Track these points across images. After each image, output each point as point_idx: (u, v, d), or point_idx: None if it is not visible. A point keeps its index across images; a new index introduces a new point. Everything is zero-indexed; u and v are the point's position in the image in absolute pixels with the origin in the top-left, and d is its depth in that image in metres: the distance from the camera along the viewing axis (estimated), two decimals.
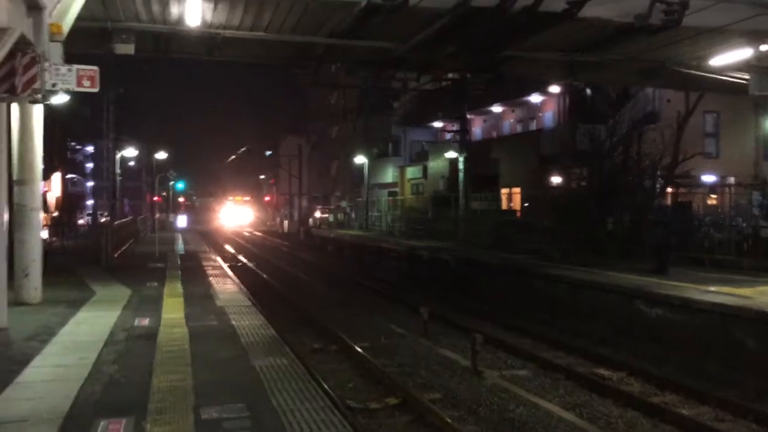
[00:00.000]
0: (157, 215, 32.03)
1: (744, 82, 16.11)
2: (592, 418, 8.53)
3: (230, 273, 17.78)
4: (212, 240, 42.33)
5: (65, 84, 8.98)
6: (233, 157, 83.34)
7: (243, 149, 77.87)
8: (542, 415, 8.49)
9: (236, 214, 72.46)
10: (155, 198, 44.69)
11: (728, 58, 15.33)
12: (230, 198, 79.28)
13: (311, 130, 61.43)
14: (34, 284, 10.72)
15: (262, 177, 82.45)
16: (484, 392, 9.42)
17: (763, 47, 14.61)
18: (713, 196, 24.24)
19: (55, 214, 38.82)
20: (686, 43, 14.88)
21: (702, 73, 17.28)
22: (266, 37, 14.91)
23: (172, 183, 55.96)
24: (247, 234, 55.00)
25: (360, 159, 41.84)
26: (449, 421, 7.88)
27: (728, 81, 17.23)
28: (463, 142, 28.58)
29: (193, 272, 17.04)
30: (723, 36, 14.39)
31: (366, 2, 12.15)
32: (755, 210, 18.40)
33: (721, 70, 16.65)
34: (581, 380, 10.09)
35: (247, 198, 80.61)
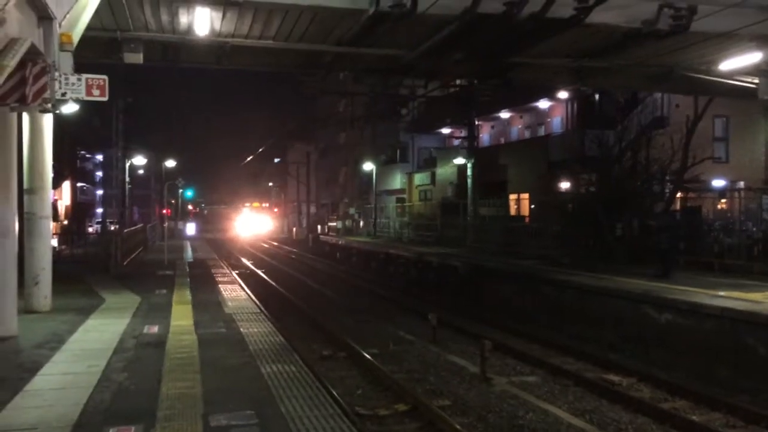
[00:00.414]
0: (166, 224, 32.21)
1: (754, 86, 16.01)
2: (602, 424, 8.49)
3: (239, 280, 17.82)
4: (220, 247, 42.43)
5: (75, 93, 9.05)
6: (251, 157, 74.32)
7: (261, 149, 68.68)
8: (552, 421, 8.46)
9: (254, 223, 63.70)
10: (165, 211, 44.88)
11: (737, 63, 15.25)
12: (246, 204, 69.59)
13: (319, 137, 61.61)
14: (43, 292, 10.79)
15: (270, 184, 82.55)
16: (493, 398, 9.40)
17: None
18: (723, 200, 24.12)
19: (65, 222, 39.10)
20: (695, 48, 14.81)
21: (711, 78, 17.18)
22: (275, 45, 14.97)
23: (180, 191, 56.21)
24: (255, 241, 55.08)
25: (368, 165, 41.90)
26: (459, 427, 7.85)
27: (738, 85, 17.12)
28: (471, 148, 28.59)
29: (201, 280, 17.09)
30: (732, 40, 14.32)
31: (374, 10, 12.18)
32: (765, 214, 18.28)
33: (730, 75, 16.55)
34: (591, 386, 10.05)
35: (266, 204, 71.65)
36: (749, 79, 16.30)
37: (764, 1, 13.26)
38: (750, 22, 13.14)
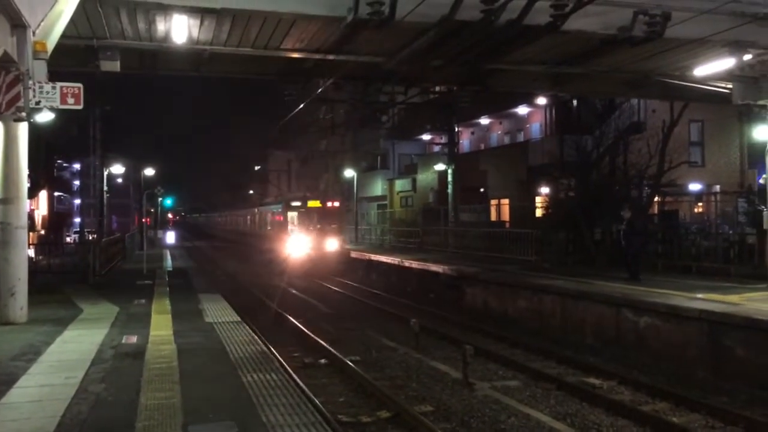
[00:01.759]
0: (146, 234, 31.97)
1: (727, 91, 16.26)
2: (584, 427, 8.53)
3: (219, 289, 17.69)
4: (201, 256, 42.09)
5: (49, 101, 8.97)
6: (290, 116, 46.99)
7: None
8: (534, 425, 8.49)
9: (315, 234, 30.28)
10: (145, 219, 44.44)
11: (711, 68, 15.48)
12: (295, 203, 32.66)
13: (300, 145, 61.52)
14: (20, 303, 10.62)
15: (251, 192, 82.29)
16: (475, 404, 9.40)
17: (746, 57, 14.78)
18: (700, 204, 24.47)
19: (42, 232, 38.61)
20: (669, 54, 15.03)
21: (686, 83, 17.43)
22: (253, 52, 14.93)
23: (160, 199, 55.70)
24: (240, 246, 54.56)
25: (349, 172, 41.94)
26: None
27: (712, 91, 17.39)
28: (451, 154, 28.73)
29: (181, 289, 16.94)
30: (705, 47, 14.55)
31: (352, 18, 12.21)
32: (741, 217, 18.56)
33: (704, 80, 16.80)
34: (572, 390, 10.09)
35: (336, 203, 33.78)
36: (723, 84, 16.56)
37: (737, 8, 13.49)
38: (723, 28, 13.36)
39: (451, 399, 9.67)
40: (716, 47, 14.57)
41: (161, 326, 10.67)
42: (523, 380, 10.83)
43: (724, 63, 14.93)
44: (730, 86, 15.97)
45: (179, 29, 13.31)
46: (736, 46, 14.44)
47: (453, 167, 28.17)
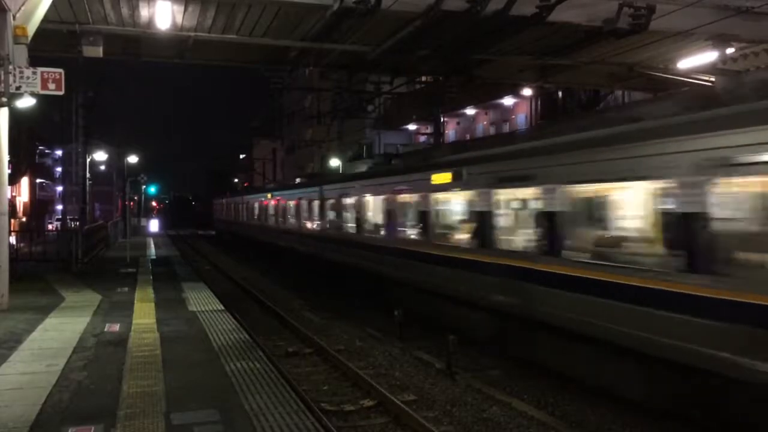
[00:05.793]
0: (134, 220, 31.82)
1: (710, 84, 16.43)
2: (564, 415, 8.62)
3: (203, 277, 17.64)
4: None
5: (30, 87, 8.87)
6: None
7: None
8: (515, 414, 8.56)
9: None
10: (130, 204, 44.07)
11: (694, 61, 15.63)
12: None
13: (286, 133, 61.30)
14: (0, 291, 10.54)
15: (236, 180, 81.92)
16: (458, 393, 9.46)
17: (729, 50, 14.92)
18: None
19: (24, 219, 38.22)
20: (654, 46, 15.13)
21: (669, 76, 17.58)
22: (238, 40, 14.82)
23: (144, 187, 55.28)
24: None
25: (335, 162, 41.81)
26: (424, 422, 7.90)
27: (695, 84, 17.55)
28: (437, 144, 28.73)
29: (165, 277, 16.87)
30: (689, 39, 14.66)
31: (338, 6, 12.16)
32: None
33: (687, 73, 16.95)
34: (553, 378, 10.17)
35: None
36: (706, 78, 16.71)
37: (720, 1, 13.59)
38: (706, 21, 13.45)
39: (435, 388, 9.67)
40: (700, 40, 14.69)
41: (144, 314, 10.64)
42: (505, 370, 10.86)
43: (707, 56, 15.06)
44: (712, 80, 16.12)
45: (163, 15, 13.18)
46: (718, 40, 14.56)
47: None
